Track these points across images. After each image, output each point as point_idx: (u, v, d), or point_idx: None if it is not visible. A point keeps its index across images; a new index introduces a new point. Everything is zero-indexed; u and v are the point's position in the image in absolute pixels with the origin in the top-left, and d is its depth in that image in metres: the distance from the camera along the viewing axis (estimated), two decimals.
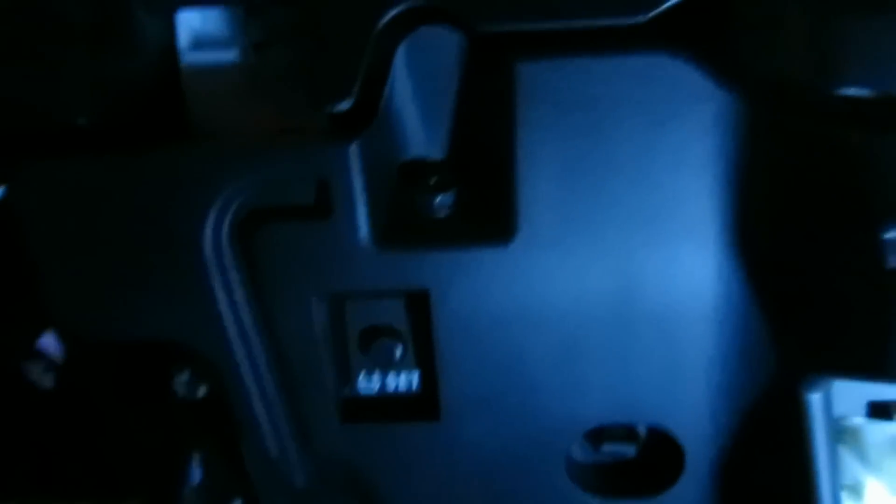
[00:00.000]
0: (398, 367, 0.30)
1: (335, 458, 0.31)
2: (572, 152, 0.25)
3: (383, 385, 0.31)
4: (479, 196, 0.28)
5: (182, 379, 0.38)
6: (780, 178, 0.25)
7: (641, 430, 0.31)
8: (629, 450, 0.31)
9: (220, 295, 0.28)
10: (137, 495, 0.33)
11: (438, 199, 0.28)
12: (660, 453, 0.31)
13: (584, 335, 0.27)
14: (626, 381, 0.28)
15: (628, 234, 0.26)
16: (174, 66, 0.28)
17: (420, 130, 0.29)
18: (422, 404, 0.30)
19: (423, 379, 0.30)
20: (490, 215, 0.27)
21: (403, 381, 0.30)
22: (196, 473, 0.35)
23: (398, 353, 0.29)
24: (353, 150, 0.26)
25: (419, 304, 0.28)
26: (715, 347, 0.27)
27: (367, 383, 0.31)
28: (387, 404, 0.30)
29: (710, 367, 0.27)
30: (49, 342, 0.34)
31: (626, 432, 0.31)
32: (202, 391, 0.38)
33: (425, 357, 0.29)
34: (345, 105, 0.26)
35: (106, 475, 0.33)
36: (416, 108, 0.28)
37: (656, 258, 0.26)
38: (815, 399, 0.26)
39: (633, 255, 0.26)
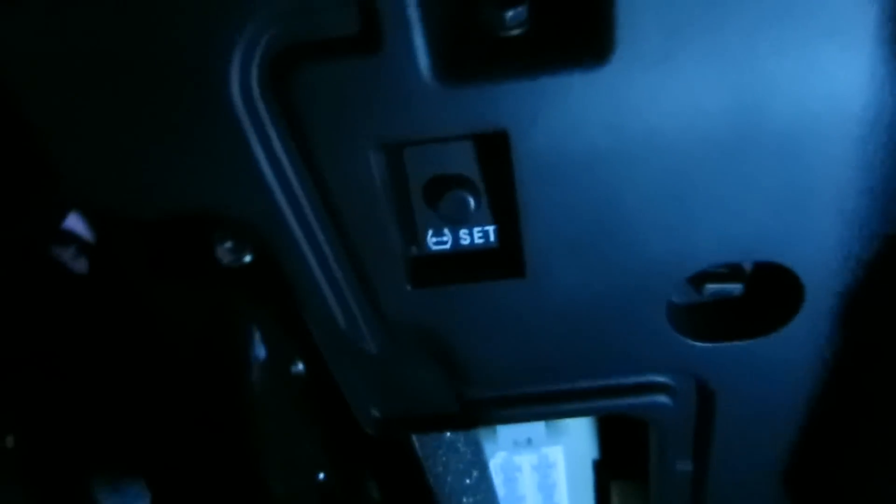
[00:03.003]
0: (472, 220, 0.26)
1: (409, 323, 0.28)
2: None
3: (456, 241, 0.27)
4: (561, 6, 0.22)
5: (225, 246, 0.35)
6: None
7: (747, 266, 0.28)
8: (735, 288, 0.28)
9: (258, 152, 0.24)
10: (198, 382, 0.31)
11: (510, 13, 0.22)
12: (772, 290, 0.27)
13: (694, 165, 0.23)
14: (742, 215, 0.24)
15: (756, 38, 0.20)
16: None
17: None
18: (503, 259, 0.26)
19: (501, 231, 0.26)
20: (578, 30, 0.22)
21: (479, 235, 0.27)
22: (259, 349, 0.33)
23: (472, 204, 0.25)
24: None
25: (495, 147, 0.23)
26: (854, 168, 0.23)
27: (438, 240, 0.27)
28: (462, 262, 0.27)
29: (846, 190, 0.23)
30: (77, 222, 0.31)
31: (730, 269, 0.28)
32: (248, 256, 0.35)
33: (504, 207, 0.25)
34: None
35: (158, 362, 0.31)
36: None
37: (790, 65, 0.21)
38: None
39: (761, 64, 0.21)
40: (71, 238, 0.31)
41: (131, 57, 0.22)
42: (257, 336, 0.34)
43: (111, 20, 0.21)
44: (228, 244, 0.35)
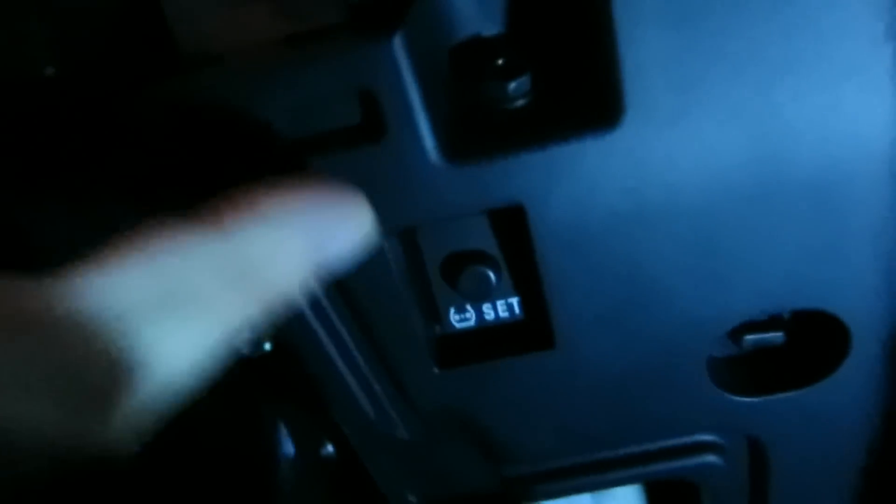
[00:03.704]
0: (494, 295, 0.25)
1: (440, 405, 0.27)
2: None
3: (480, 317, 0.26)
4: (563, 72, 0.22)
5: (244, 336, 0.34)
6: None
7: (786, 314, 0.27)
8: (776, 337, 0.26)
9: None
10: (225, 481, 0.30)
11: (512, 84, 0.22)
12: (815, 337, 0.26)
13: (721, 220, 0.22)
14: (778, 265, 0.23)
15: (771, 87, 0.20)
16: None
17: None
18: (530, 331, 0.25)
19: (526, 302, 0.25)
20: (585, 95, 0.21)
21: (503, 308, 0.26)
22: (286, 438, 0.32)
23: (492, 279, 0.24)
24: (398, 44, 0.20)
25: (512, 221, 0.23)
26: (889, 207, 0.22)
27: (461, 318, 0.26)
28: (488, 338, 0.26)
29: (883, 229, 0.22)
30: None
31: (769, 318, 0.27)
32: (268, 344, 0.34)
33: (526, 278, 0.24)
34: None
35: (182, 468, 0.30)
36: None
37: (809, 111, 0.20)
38: None
39: (779, 113, 0.20)
40: None
41: (129, 173, 0.21)
42: (283, 425, 0.33)
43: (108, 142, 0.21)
44: (247, 335, 0.34)
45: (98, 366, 0.11)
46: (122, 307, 0.12)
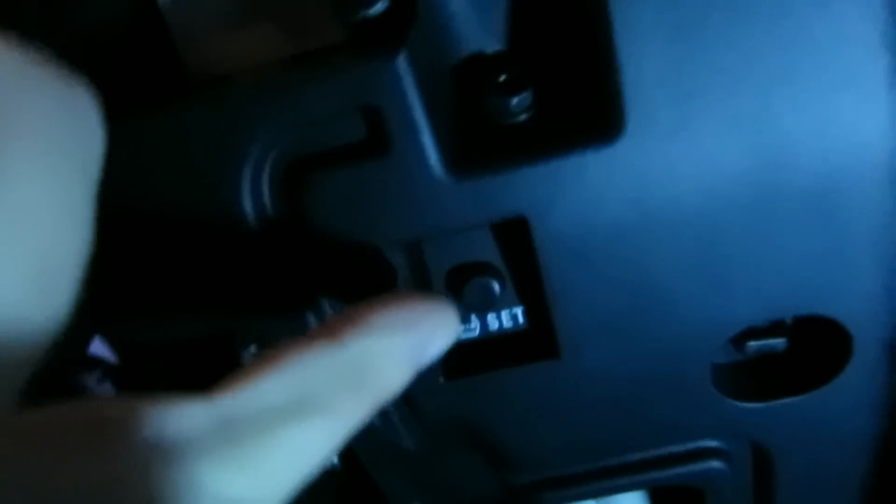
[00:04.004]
0: (499, 304, 0.26)
1: (446, 416, 0.27)
2: (687, 4, 0.19)
3: (484, 327, 0.26)
4: (564, 87, 0.22)
5: (250, 350, 0.34)
6: None
7: (788, 320, 0.27)
8: (779, 343, 0.27)
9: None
10: None
11: (514, 100, 0.22)
12: (817, 343, 0.26)
13: (723, 229, 0.22)
14: (779, 273, 0.23)
15: (770, 97, 0.20)
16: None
17: (471, 16, 0.23)
18: (535, 341, 0.26)
19: (530, 312, 0.26)
20: (586, 109, 0.21)
21: (507, 318, 0.26)
22: None
23: (496, 290, 0.24)
24: (402, 62, 0.20)
25: (515, 233, 0.23)
26: (889, 213, 0.22)
27: (466, 328, 0.26)
28: (493, 348, 0.26)
29: (884, 235, 0.22)
30: (101, 346, 0.30)
31: (771, 324, 0.27)
32: None
33: (530, 288, 0.25)
34: (380, 6, 0.20)
35: None
36: None
37: (808, 120, 0.20)
38: None
39: (778, 123, 0.20)
40: (94, 362, 0.31)
41: (138, 194, 0.21)
42: None
43: (115, 164, 0.21)
44: (252, 348, 0.34)
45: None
46: (267, 414, 0.13)
